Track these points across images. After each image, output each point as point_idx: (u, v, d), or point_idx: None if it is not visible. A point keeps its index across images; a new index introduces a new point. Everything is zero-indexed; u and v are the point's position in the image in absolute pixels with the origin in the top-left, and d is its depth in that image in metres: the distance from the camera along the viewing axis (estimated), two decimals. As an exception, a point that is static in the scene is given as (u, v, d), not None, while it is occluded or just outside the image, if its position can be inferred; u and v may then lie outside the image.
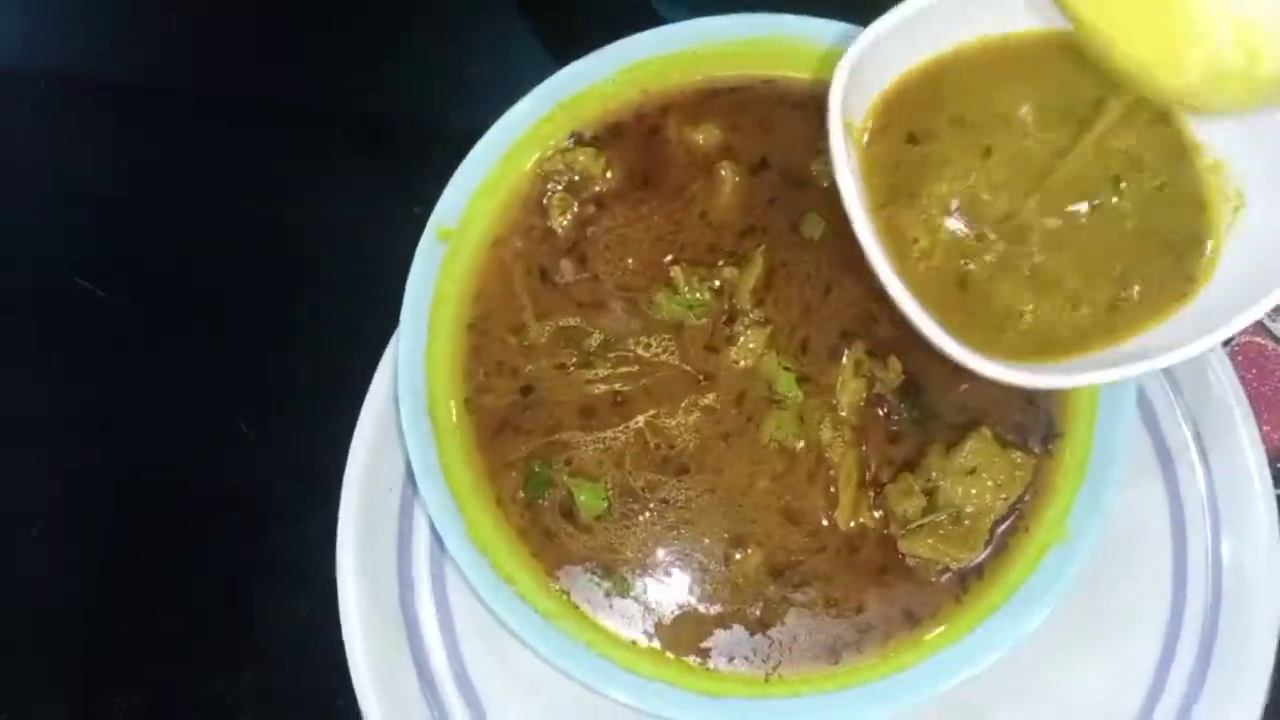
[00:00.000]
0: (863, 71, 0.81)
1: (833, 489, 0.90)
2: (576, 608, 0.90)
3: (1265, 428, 1.02)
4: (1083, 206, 0.83)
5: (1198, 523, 0.96)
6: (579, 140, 0.95)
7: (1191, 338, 0.77)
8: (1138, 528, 0.96)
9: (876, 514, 0.90)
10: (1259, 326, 1.05)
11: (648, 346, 0.93)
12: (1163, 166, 0.83)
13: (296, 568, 1.03)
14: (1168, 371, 0.98)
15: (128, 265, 1.12)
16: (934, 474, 0.88)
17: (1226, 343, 1.04)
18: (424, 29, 1.16)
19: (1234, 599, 0.95)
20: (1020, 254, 0.84)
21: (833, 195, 0.93)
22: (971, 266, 0.84)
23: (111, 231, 1.13)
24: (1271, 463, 0.98)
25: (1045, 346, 0.83)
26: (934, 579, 0.89)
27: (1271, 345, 1.05)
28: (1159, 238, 0.83)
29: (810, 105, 0.95)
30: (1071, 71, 0.83)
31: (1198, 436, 0.97)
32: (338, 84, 1.15)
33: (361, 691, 0.94)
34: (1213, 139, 0.83)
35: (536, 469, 0.92)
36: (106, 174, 1.15)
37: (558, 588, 0.90)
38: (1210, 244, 0.83)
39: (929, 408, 0.91)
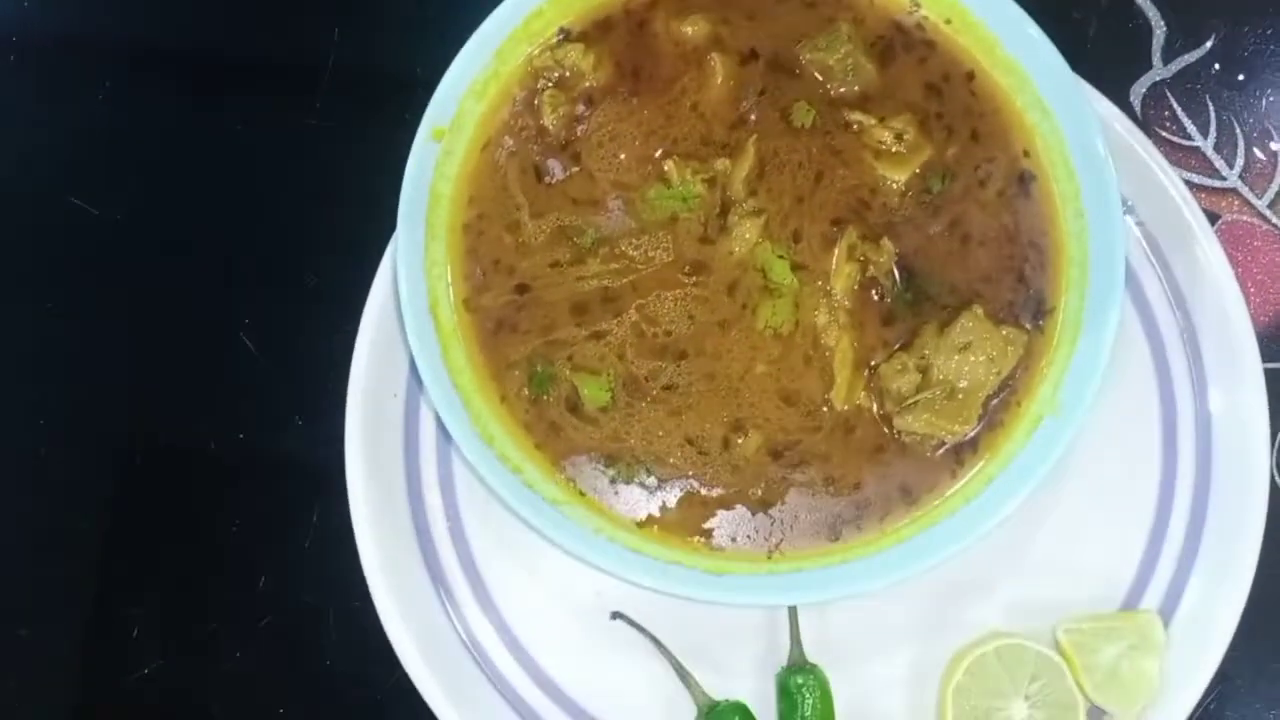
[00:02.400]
0: None
1: (829, 371, 0.92)
2: (583, 495, 0.92)
3: (1252, 306, 1.04)
4: None
5: (1185, 391, 0.99)
6: (567, 36, 0.96)
7: None
8: (1127, 398, 0.99)
9: (872, 394, 0.91)
10: (1245, 204, 1.07)
11: (641, 242, 0.94)
12: None
13: (306, 476, 1.05)
14: (1155, 248, 1.00)
15: (121, 182, 1.12)
16: (927, 352, 0.90)
17: (1214, 220, 1.06)
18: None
19: (1224, 460, 0.97)
20: None
21: (822, 84, 0.95)
22: None
23: (104, 150, 1.14)
24: (1258, 338, 1.00)
25: None
26: (929, 454, 0.91)
27: (1258, 222, 1.06)
28: None
29: (797, -7, 0.96)
30: None
31: (1184, 309, 0.99)
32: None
33: (375, 588, 0.97)
34: None
35: (539, 368, 0.93)
36: (104, 100, 1.15)
37: (564, 477, 0.92)
38: None
39: (922, 289, 0.93)
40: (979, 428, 0.91)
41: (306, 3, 1.15)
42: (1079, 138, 0.91)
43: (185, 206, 1.12)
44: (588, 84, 0.96)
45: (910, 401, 0.90)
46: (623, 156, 0.95)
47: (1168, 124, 1.08)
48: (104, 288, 1.12)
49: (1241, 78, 1.09)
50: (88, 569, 1.07)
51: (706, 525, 0.92)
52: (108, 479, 1.09)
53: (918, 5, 0.95)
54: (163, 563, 1.07)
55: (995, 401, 0.91)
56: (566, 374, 0.93)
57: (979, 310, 0.90)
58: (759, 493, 0.92)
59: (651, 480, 0.92)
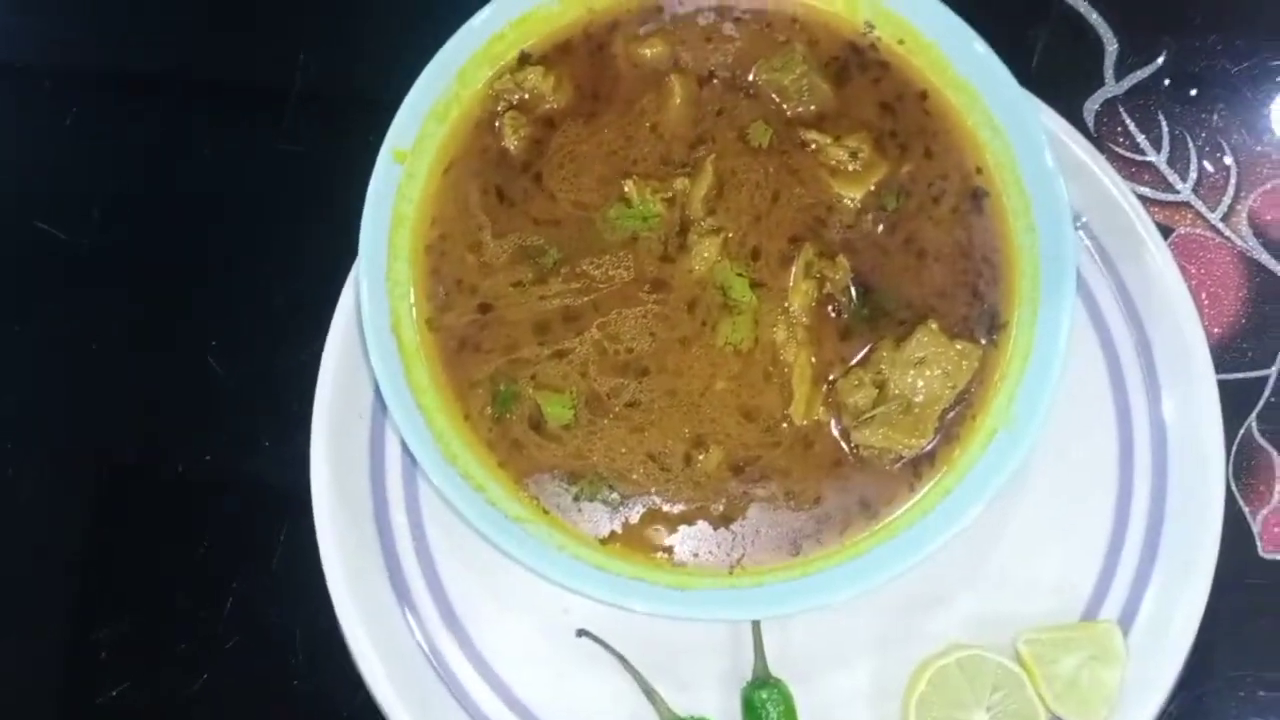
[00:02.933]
0: None
1: (788, 387, 0.93)
2: (546, 512, 0.93)
3: (1206, 319, 1.06)
4: None
5: (1141, 403, 1.00)
6: (528, 59, 0.97)
7: None
8: (1083, 411, 1.00)
9: (830, 409, 0.93)
10: (1198, 217, 1.09)
11: (602, 261, 0.95)
12: None
13: (273, 497, 1.06)
14: (1109, 262, 1.02)
15: (88, 206, 1.13)
16: (884, 367, 0.91)
17: (1168, 234, 1.08)
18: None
19: (1180, 471, 0.99)
20: None
21: (778, 104, 0.97)
22: None
23: (74, 175, 1.14)
24: (1212, 350, 1.01)
25: None
26: (887, 468, 0.92)
27: (1212, 235, 1.08)
28: None
29: (751, 17, 0.98)
30: None
31: (1138, 322, 1.01)
32: (288, 24, 1.16)
33: (341, 609, 0.97)
34: None
35: (502, 387, 0.94)
36: (71, 124, 1.16)
37: (527, 494, 0.93)
38: None
39: (878, 305, 0.94)
40: (935, 441, 0.92)
41: (272, 27, 1.16)
42: (1029, 155, 0.92)
43: (152, 230, 1.13)
44: (548, 106, 0.97)
45: (867, 416, 0.91)
46: (583, 177, 0.96)
47: (1121, 139, 1.10)
48: (70, 311, 1.12)
49: (1194, 93, 1.11)
50: (56, 592, 1.07)
51: (669, 541, 0.92)
52: (75, 501, 1.09)
53: (871, 26, 0.97)
54: (131, 585, 1.07)
55: (951, 415, 0.93)
56: (529, 392, 0.94)
57: (934, 325, 0.92)
58: (720, 508, 0.93)
59: (614, 497, 0.93)
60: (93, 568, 1.07)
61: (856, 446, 0.92)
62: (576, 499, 0.93)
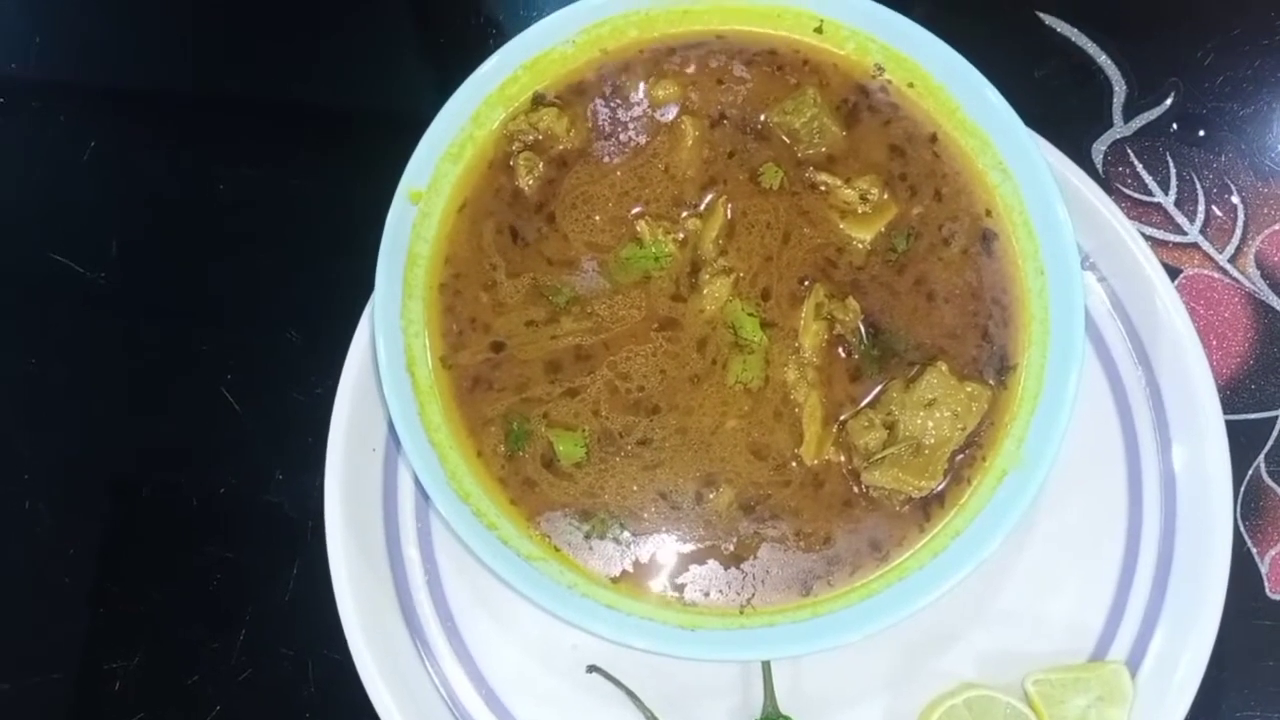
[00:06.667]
0: None
1: (798, 427, 0.93)
2: (558, 550, 0.93)
3: (1214, 359, 1.06)
4: None
5: (1150, 444, 1.01)
6: (542, 101, 0.98)
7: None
8: (1092, 452, 1.01)
9: (840, 449, 0.93)
10: (1206, 258, 1.09)
11: (614, 300, 0.96)
12: None
13: (286, 530, 1.07)
14: (1118, 304, 1.02)
15: (106, 240, 1.14)
16: (894, 408, 0.92)
17: (1176, 275, 1.08)
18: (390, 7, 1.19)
19: (1189, 512, 0.99)
20: None
21: (789, 146, 0.98)
22: None
23: (91, 208, 1.16)
24: (1220, 391, 1.02)
25: None
26: (898, 509, 0.93)
27: (1220, 276, 1.09)
28: None
29: (763, 59, 0.99)
30: None
31: (1147, 363, 1.01)
32: (306, 62, 1.18)
33: (354, 642, 0.98)
34: None
35: (515, 425, 0.95)
36: (89, 158, 1.17)
37: (539, 533, 0.94)
38: None
39: (888, 346, 0.95)
40: (945, 482, 0.93)
41: (289, 66, 1.18)
42: (1038, 199, 0.93)
43: (168, 264, 1.14)
44: (562, 147, 0.98)
45: (877, 457, 0.91)
46: (596, 217, 0.97)
47: (1129, 181, 1.11)
48: (87, 344, 1.13)
49: (1201, 134, 1.12)
50: (71, 623, 1.08)
51: (680, 580, 0.93)
52: (91, 533, 1.10)
53: (881, 69, 0.98)
54: (145, 616, 1.08)
55: (961, 457, 0.93)
56: (542, 430, 0.95)
57: (944, 367, 0.92)
58: (731, 547, 0.93)
59: (625, 535, 0.93)
60: (107, 599, 1.08)
61: (867, 487, 0.93)
62: (588, 537, 0.94)
